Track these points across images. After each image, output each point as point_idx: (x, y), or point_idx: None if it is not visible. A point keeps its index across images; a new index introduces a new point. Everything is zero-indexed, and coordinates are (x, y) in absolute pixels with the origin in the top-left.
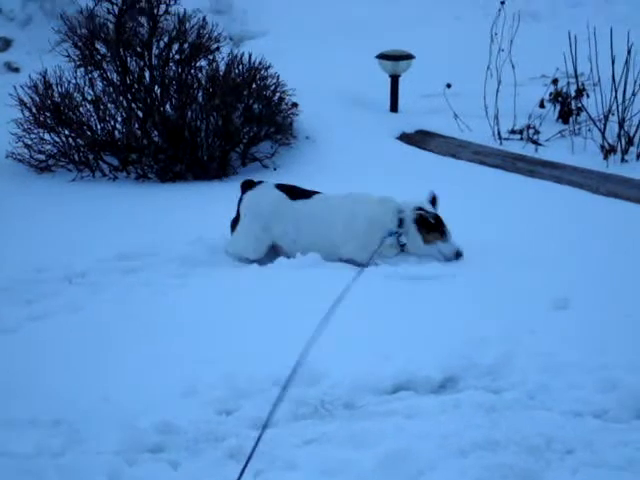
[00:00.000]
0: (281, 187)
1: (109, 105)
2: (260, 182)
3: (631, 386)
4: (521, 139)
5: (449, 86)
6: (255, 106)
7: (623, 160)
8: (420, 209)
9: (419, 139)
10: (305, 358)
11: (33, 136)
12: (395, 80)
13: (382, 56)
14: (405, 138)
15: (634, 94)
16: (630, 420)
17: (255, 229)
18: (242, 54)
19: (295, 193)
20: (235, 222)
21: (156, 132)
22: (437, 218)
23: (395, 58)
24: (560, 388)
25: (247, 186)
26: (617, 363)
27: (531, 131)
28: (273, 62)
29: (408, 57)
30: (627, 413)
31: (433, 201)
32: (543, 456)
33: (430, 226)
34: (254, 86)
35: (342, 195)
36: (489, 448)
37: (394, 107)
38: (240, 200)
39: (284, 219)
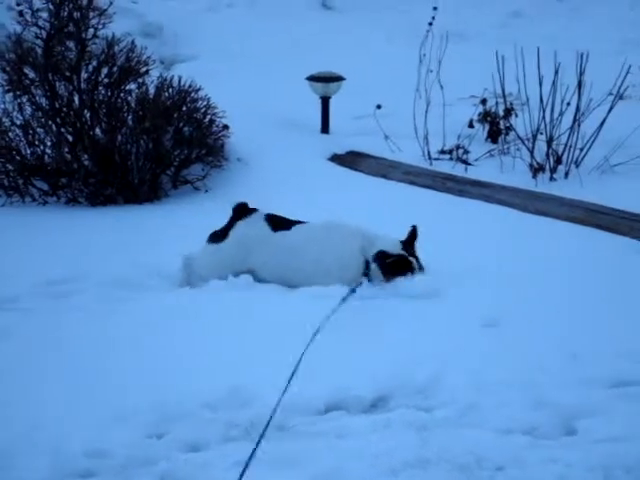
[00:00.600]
0: (269, 218)
1: (38, 130)
2: (254, 210)
3: (559, 403)
4: (451, 159)
5: (379, 107)
6: (186, 129)
7: (552, 179)
8: (382, 253)
9: (350, 160)
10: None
11: None
12: (326, 102)
13: (312, 78)
14: (336, 159)
15: (561, 113)
16: (559, 437)
17: (233, 260)
18: (172, 77)
19: (279, 224)
20: (216, 237)
21: (86, 156)
22: (399, 262)
23: (325, 80)
24: (490, 406)
25: (240, 211)
26: (545, 380)
27: (460, 151)
28: (204, 85)
29: (338, 79)
30: (556, 430)
31: (412, 236)
32: (473, 474)
33: (392, 271)
34: (184, 109)
35: (318, 227)
36: (420, 467)
37: (325, 128)
38: (231, 224)
39: (265, 251)
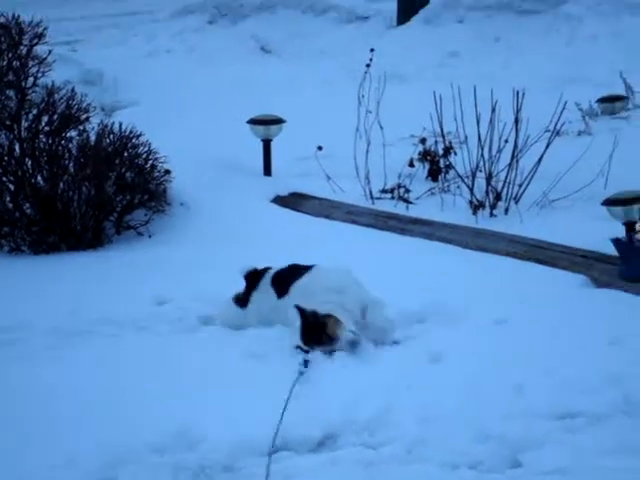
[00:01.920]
0: (275, 281)
1: None
2: (265, 271)
3: (504, 436)
4: (392, 198)
5: (320, 148)
6: (128, 174)
7: (492, 215)
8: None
9: (293, 201)
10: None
11: None
12: (267, 144)
13: (253, 121)
14: (279, 201)
15: (500, 150)
16: (505, 470)
17: (255, 323)
18: (113, 123)
19: (283, 286)
20: (240, 301)
21: (28, 204)
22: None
23: (266, 123)
24: (436, 441)
25: (252, 278)
26: (490, 413)
27: (402, 190)
28: (145, 130)
29: (279, 121)
30: (502, 463)
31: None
32: None
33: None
34: (126, 155)
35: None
36: None
37: (267, 171)
38: (248, 292)
39: (276, 316)
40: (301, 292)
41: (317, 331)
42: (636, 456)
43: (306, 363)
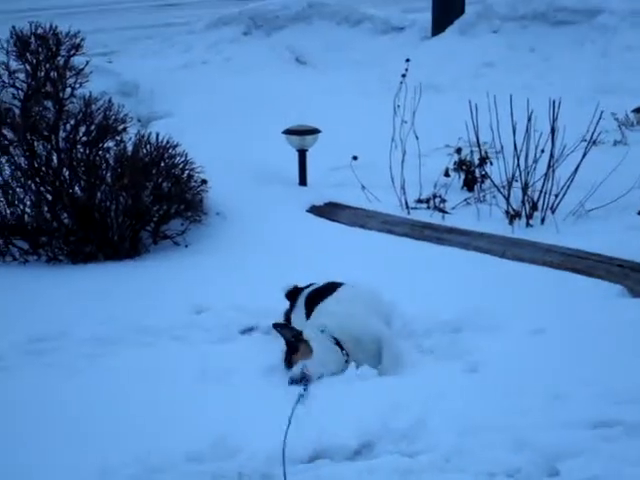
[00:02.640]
0: (308, 302)
1: (17, 189)
2: (300, 291)
3: (541, 444)
4: (428, 208)
5: (355, 158)
6: (164, 184)
7: (528, 225)
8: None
9: (328, 211)
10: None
11: None
12: (303, 154)
13: (289, 131)
14: (315, 210)
15: (536, 160)
16: (542, 478)
17: None
18: (149, 134)
19: (311, 306)
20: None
21: (66, 214)
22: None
23: (301, 133)
24: (473, 449)
25: (292, 295)
26: (527, 422)
27: (437, 200)
28: (181, 141)
29: (314, 132)
30: (539, 472)
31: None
32: None
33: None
34: (162, 165)
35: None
36: None
37: (303, 181)
38: (288, 315)
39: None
40: (319, 315)
41: (290, 353)
42: None
43: (305, 386)
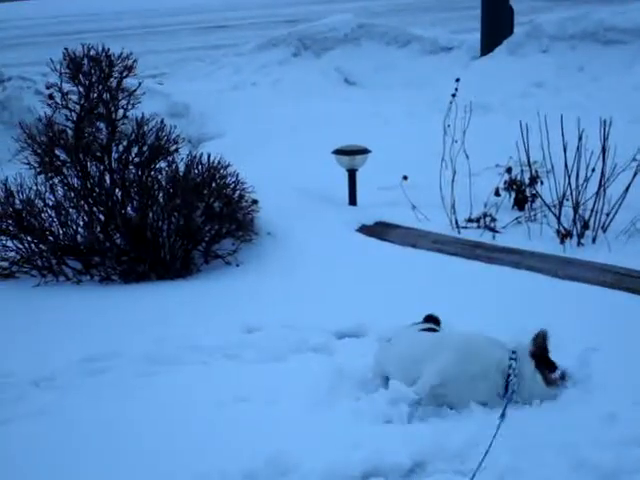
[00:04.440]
0: None
1: (70, 210)
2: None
3: (598, 464)
4: (478, 227)
5: (405, 178)
6: (216, 204)
7: (579, 244)
8: None
9: (379, 230)
10: None
11: None
12: (352, 174)
13: (338, 151)
14: (365, 230)
15: (587, 179)
16: None
17: None
18: (201, 154)
19: None
20: None
21: (118, 234)
22: None
23: (351, 153)
24: (529, 469)
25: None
26: (583, 441)
27: (488, 219)
28: (232, 161)
29: (364, 152)
30: None
31: None
32: None
33: None
34: (214, 185)
35: None
36: None
37: (353, 200)
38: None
39: None
40: None
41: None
42: None
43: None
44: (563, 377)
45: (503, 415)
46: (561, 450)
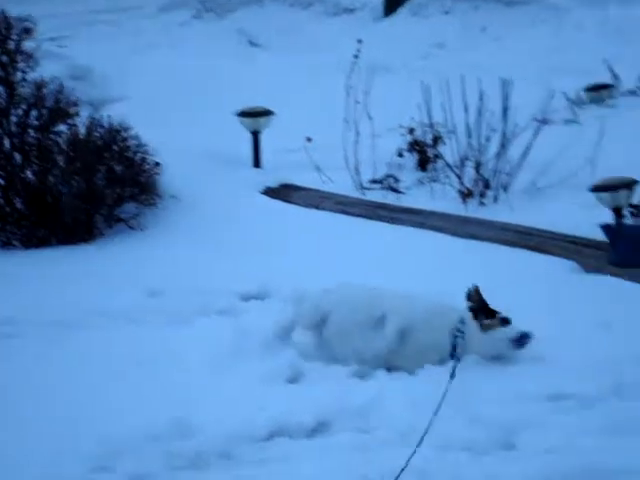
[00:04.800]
0: None
1: None
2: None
3: (497, 418)
4: (382, 188)
5: (309, 140)
6: (117, 167)
7: (481, 203)
8: None
9: (283, 192)
10: None
11: None
12: (256, 136)
13: (242, 113)
14: (269, 192)
15: (488, 139)
16: (498, 451)
17: None
18: (102, 117)
19: None
20: None
21: (18, 199)
22: None
23: (255, 115)
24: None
25: None
26: (482, 397)
27: (391, 180)
28: (134, 124)
29: (267, 113)
30: (494, 445)
31: None
32: None
33: None
34: (115, 148)
35: None
36: None
37: (257, 163)
38: None
39: None
40: None
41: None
42: (623, 436)
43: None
44: (504, 321)
45: (452, 375)
46: (461, 407)
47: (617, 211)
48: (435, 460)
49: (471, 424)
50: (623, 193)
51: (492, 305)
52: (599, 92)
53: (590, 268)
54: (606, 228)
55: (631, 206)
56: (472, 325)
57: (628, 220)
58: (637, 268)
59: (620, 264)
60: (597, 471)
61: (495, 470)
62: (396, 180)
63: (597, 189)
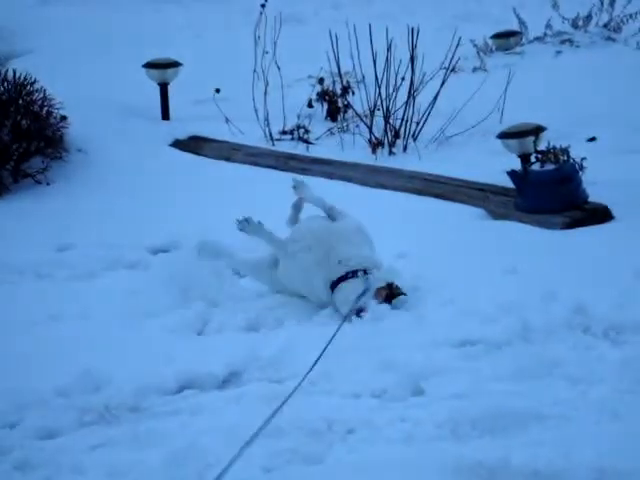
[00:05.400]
0: None
1: None
2: None
3: (406, 364)
4: (292, 139)
5: (218, 91)
6: (23, 122)
7: (391, 153)
8: None
9: (193, 145)
10: None
11: None
12: (164, 88)
13: (149, 65)
14: (179, 145)
15: (396, 89)
16: (407, 397)
17: None
18: (7, 71)
19: None
20: None
21: None
22: None
23: (162, 66)
24: (339, 373)
25: None
26: (391, 344)
27: (301, 130)
28: (41, 78)
29: (175, 65)
30: (404, 391)
31: None
32: (325, 438)
33: None
34: (21, 102)
35: None
36: (273, 435)
37: (165, 115)
38: None
39: None
40: None
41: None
42: (531, 380)
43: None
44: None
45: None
46: (370, 354)
47: (524, 157)
48: (345, 407)
49: (381, 371)
50: (530, 139)
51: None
52: (507, 39)
53: (498, 215)
54: (513, 174)
55: (537, 152)
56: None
57: (535, 166)
58: (543, 214)
59: (527, 210)
60: (506, 415)
61: (405, 415)
62: (306, 131)
63: (504, 136)
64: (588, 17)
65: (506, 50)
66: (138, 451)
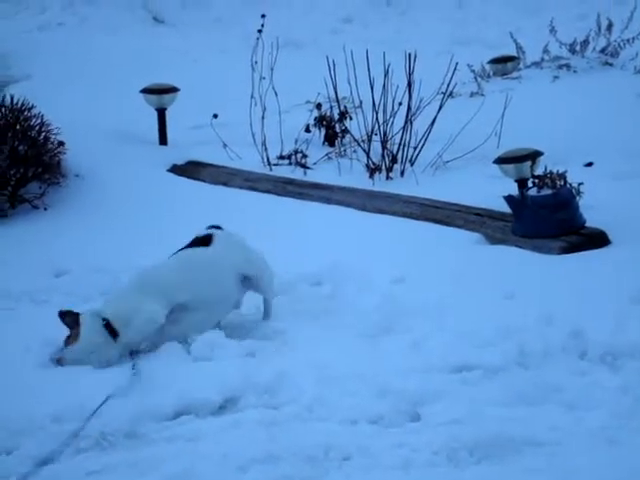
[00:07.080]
0: None
1: None
2: None
3: (403, 390)
4: (290, 164)
5: (215, 116)
6: (20, 147)
7: (388, 178)
8: None
9: (190, 170)
10: None
11: None
12: (162, 113)
13: (146, 90)
14: (176, 170)
15: (394, 114)
16: (404, 423)
17: None
18: (4, 96)
19: None
20: None
21: None
22: None
23: (159, 92)
24: (336, 398)
25: None
26: (388, 370)
27: (299, 155)
28: (39, 103)
29: (172, 90)
30: (401, 417)
31: None
32: (321, 465)
33: None
34: (18, 127)
35: None
36: (269, 462)
37: (163, 140)
38: None
39: None
40: None
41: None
42: (528, 406)
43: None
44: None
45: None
46: (367, 379)
47: (521, 182)
48: (342, 433)
49: (377, 396)
50: (527, 164)
51: None
52: (504, 64)
53: (495, 240)
54: (509, 199)
55: (535, 177)
56: None
57: (532, 191)
58: (540, 238)
59: (524, 235)
60: (502, 441)
61: (402, 441)
62: (304, 156)
63: (501, 161)
64: (585, 42)
65: (503, 75)
66: (134, 477)
